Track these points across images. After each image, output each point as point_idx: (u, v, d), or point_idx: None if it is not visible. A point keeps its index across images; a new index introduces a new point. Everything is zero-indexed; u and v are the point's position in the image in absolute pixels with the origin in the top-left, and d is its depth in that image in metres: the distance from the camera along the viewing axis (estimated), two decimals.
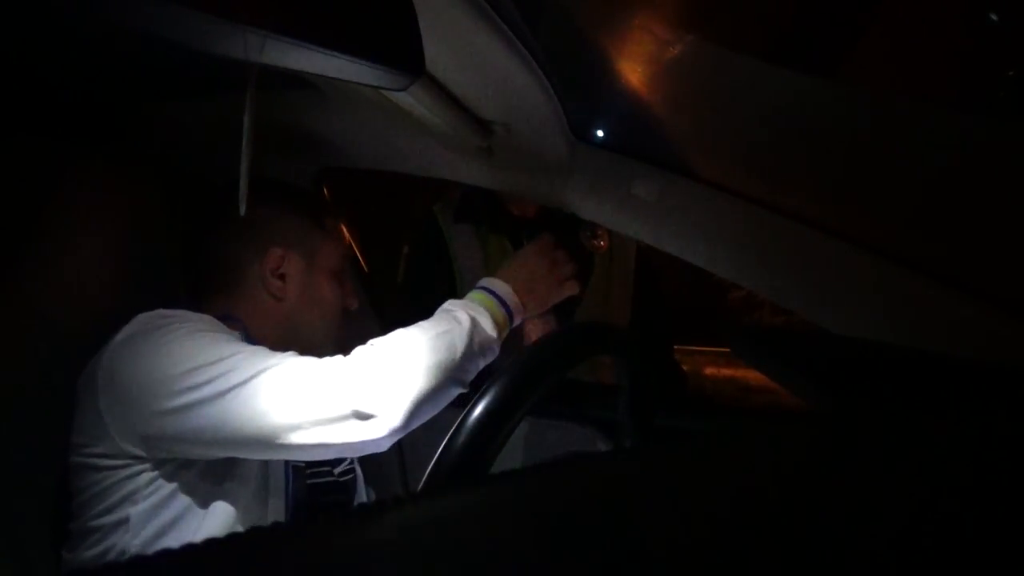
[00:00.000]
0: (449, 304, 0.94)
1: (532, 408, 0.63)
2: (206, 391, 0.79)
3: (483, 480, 0.42)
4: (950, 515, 0.24)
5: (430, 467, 0.58)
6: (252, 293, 1.00)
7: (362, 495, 1.13)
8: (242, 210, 0.73)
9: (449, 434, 0.59)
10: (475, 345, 0.87)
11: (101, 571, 0.19)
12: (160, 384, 0.81)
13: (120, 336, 0.87)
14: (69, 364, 0.93)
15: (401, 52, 0.60)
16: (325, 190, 1.44)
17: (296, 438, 0.79)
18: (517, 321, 0.99)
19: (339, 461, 1.09)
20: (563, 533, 0.22)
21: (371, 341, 0.87)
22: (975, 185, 0.85)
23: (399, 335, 0.87)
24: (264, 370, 0.80)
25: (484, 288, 0.97)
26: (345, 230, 1.19)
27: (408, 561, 0.20)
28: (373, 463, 1.25)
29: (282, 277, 1.01)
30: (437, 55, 0.74)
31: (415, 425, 0.81)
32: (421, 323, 0.89)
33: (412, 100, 0.84)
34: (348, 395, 0.79)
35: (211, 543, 0.20)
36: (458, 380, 0.86)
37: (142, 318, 0.89)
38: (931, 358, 0.65)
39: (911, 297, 0.88)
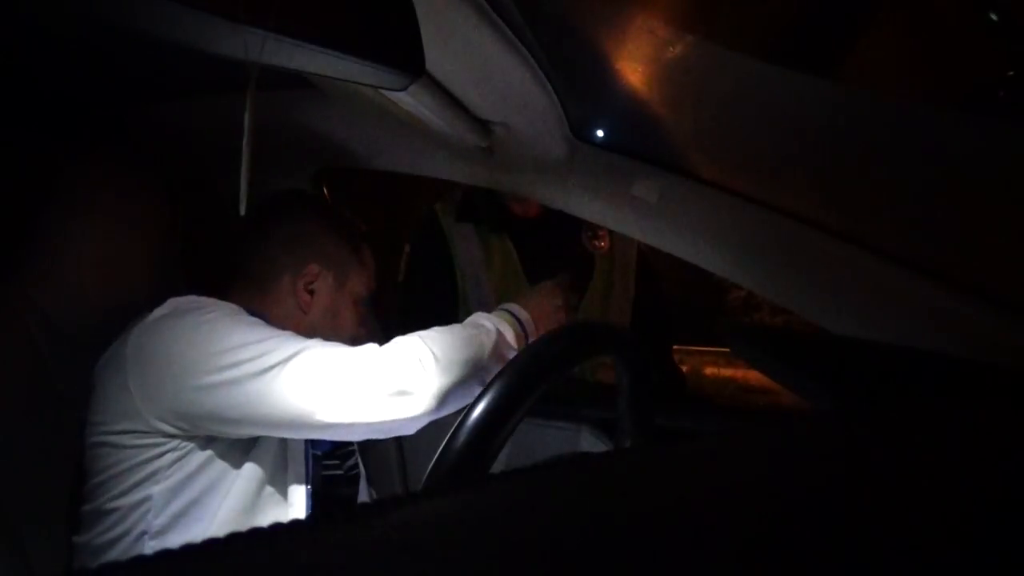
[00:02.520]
0: (476, 316, 1.03)
1: (532, 408, 0.63)
2: (247, 368, 0.83)
3: (483, 480, 0.42)
4: (951, 513, 0.24)
5: (430, 467, 0.58)
6: (282, 298, 1.04)
7: (364, 493, 1.14)
8: (242, 210, 0.73)
9: (449, 434, 0.59)
10: (498, 351, 0.96)
11: (101, 571, 0.19)
12: (201, 360, 0.84)
13: (152, 317, 0.90)
14: (69, 362, 0.93)
15: (401, 52, 0.60)
16: (325, 190, 1.44)
17: (334, 416, 0.82)
18: (528, 343, 1.07)
19: (348, 456, 1.12)
20: (562, 533, 0.22)
21: (412, 334, 0.92)
22: (975, 185, 0.85)
23: (436, 329, 0.94)
24: (304, 350, 0.85)
25: (506, 310, 1.07)
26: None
27: (408, 561, 0.20)
28: (373, 463, 1.25)
29: (311, 292, 1.05)
30: (437, 55, 0.74)
31: (443, 413, 0.86)
32: (453, 325, 0.97)
33: (412, 100, 0.84)
34: (392, 373, 0.84)
35: (211, 543, 0.20)
36: (482, 379, 0.93)
37: (175, 301, 0.93)
38: (931, 358, 0.65)
39: (911, 297, 0.88)
